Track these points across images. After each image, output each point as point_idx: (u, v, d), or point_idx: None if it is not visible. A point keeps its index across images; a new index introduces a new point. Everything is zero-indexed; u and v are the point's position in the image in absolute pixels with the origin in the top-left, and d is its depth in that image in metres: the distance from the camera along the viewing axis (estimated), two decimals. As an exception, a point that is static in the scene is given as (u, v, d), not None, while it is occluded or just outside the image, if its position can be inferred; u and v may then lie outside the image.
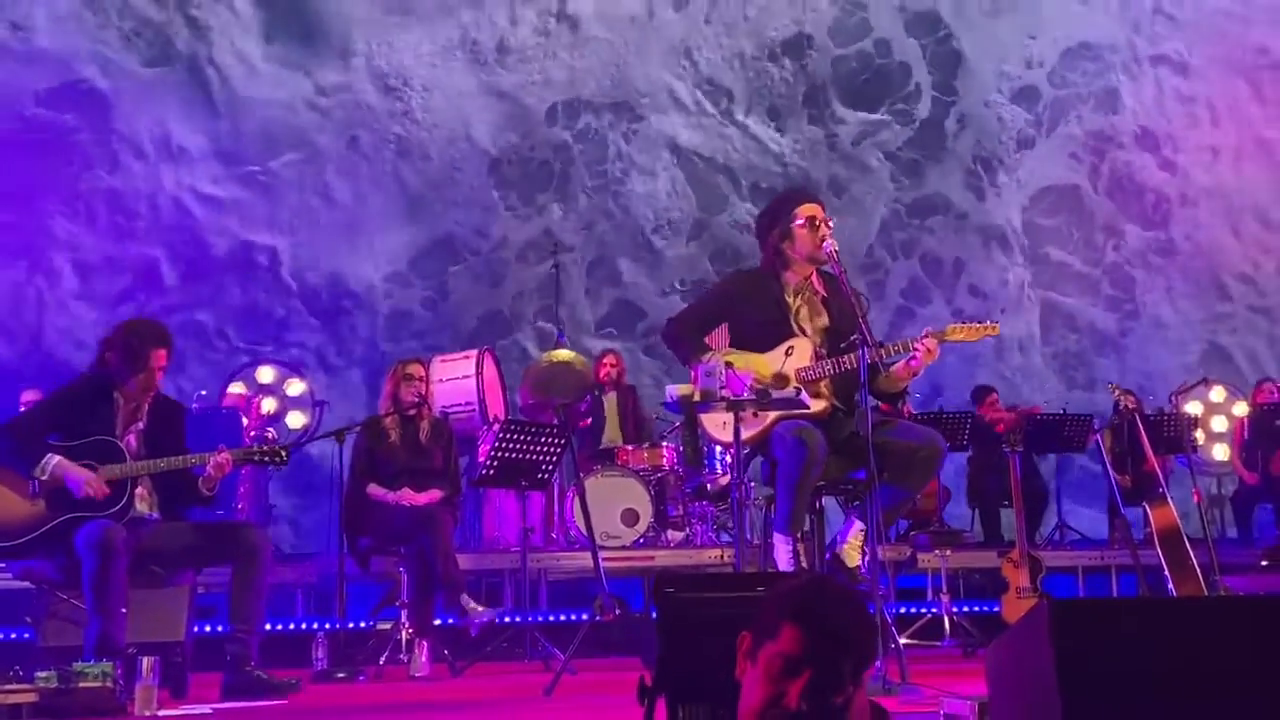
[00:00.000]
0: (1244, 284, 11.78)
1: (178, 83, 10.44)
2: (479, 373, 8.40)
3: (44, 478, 4.87)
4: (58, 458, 4.89)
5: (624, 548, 7.85)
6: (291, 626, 7.44)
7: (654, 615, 2.96)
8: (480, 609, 6.21)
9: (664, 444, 8.49)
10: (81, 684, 4.32)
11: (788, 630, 2.10)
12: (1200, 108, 11.88)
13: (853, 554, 4.79)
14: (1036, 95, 11.84)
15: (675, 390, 4.68)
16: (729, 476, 8.15)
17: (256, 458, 5.21)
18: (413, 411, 6.60)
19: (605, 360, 9.18)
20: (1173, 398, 8.77)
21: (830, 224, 4.89)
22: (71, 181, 10.15)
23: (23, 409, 8.06)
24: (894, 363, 4.73)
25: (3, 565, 5.93)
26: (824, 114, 11.53)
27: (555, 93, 11.13)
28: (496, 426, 8.11)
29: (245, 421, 8.52)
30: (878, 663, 4.32)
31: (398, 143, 10.82)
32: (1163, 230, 11.83)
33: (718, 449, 8.12)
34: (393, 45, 10.79)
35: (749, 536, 5.47)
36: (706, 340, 5.00)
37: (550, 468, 6.55)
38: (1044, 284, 11.73)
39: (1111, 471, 7.87)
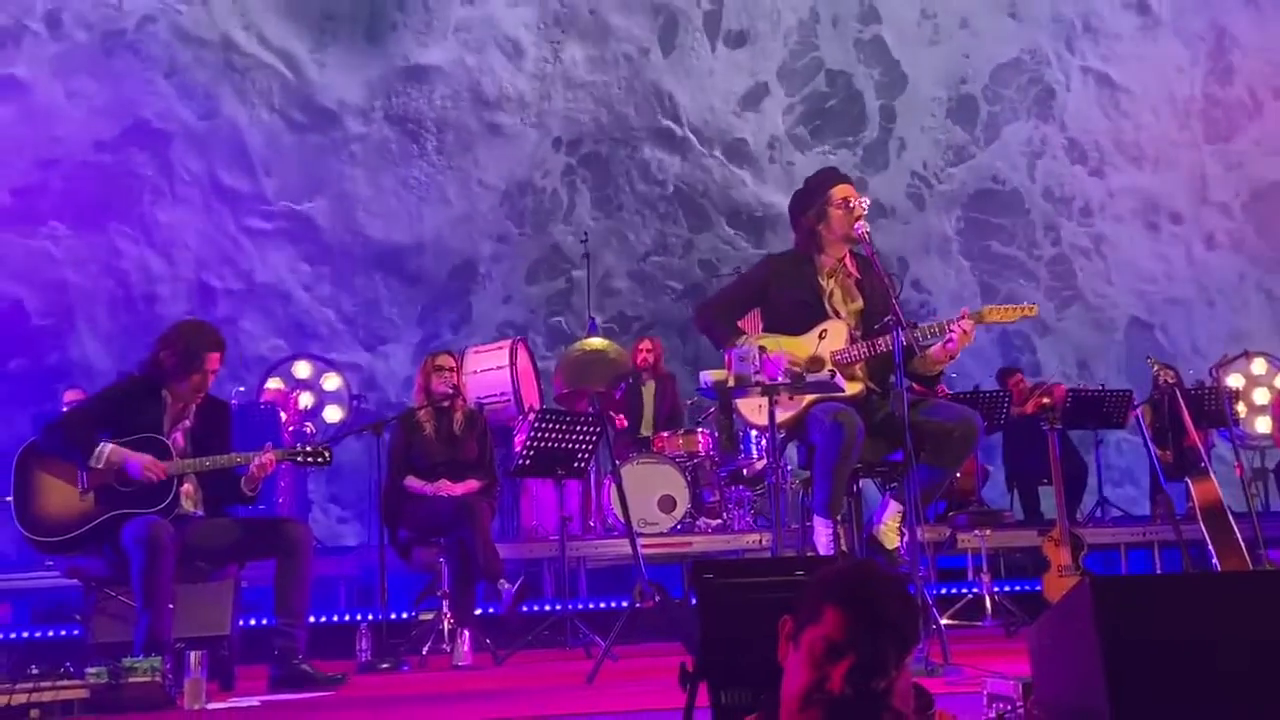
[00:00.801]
0: (1161, 272, 12.43)
1: (216, 130, 11.00)
2: (512, 363, 8.43)
3: (99, 465, 4.93)
4: (111, 445, 4.96)
5: (661, 534, 7.87)
6: (335, 618, 7.51)
7: (694, 601, 2.97)
8: (506, 585, 6.23)
9: (699, 430, 8.50)
10: (131, 679, 4.37)
11: (831, 614, 2.10)
12: (1124, 116, 12.42)
13: (891, 535, 4.79)
14: (975, 108, 12.31)
15: (709, 376, 4.68)
16: (764, 461, 8.16)
17: (300, 458, 5.24)
18: (446, 403, 6.63)
19: (641, 346, 9.16)
20: (1213, 371, 8.69)
21: (865, 204, 4.88)
22: (133, 208, 10.73)
23: (65, 409, 8.19)
24: (929, 345, 4.71)
25: (50, 563, 6.03)
26: (781, 154, 12.09)
27: (559, 130, 11.70)
28: (532, 416, 8.15)
29: (283, 417, 8.59)
30: (920, 645, 4.31)
31: (418, 182, 11.35)
32: (1092, 226, 12.37)
33: (753, 433, 8.13)
34: (410, 95, 11.37)
35: (786, 520, 5.48)
36: (740, 325, 5.00)
37: (586, 456, 6.55)
38: (985, 273, 12.28)
39: (1152, 447, 7.81)
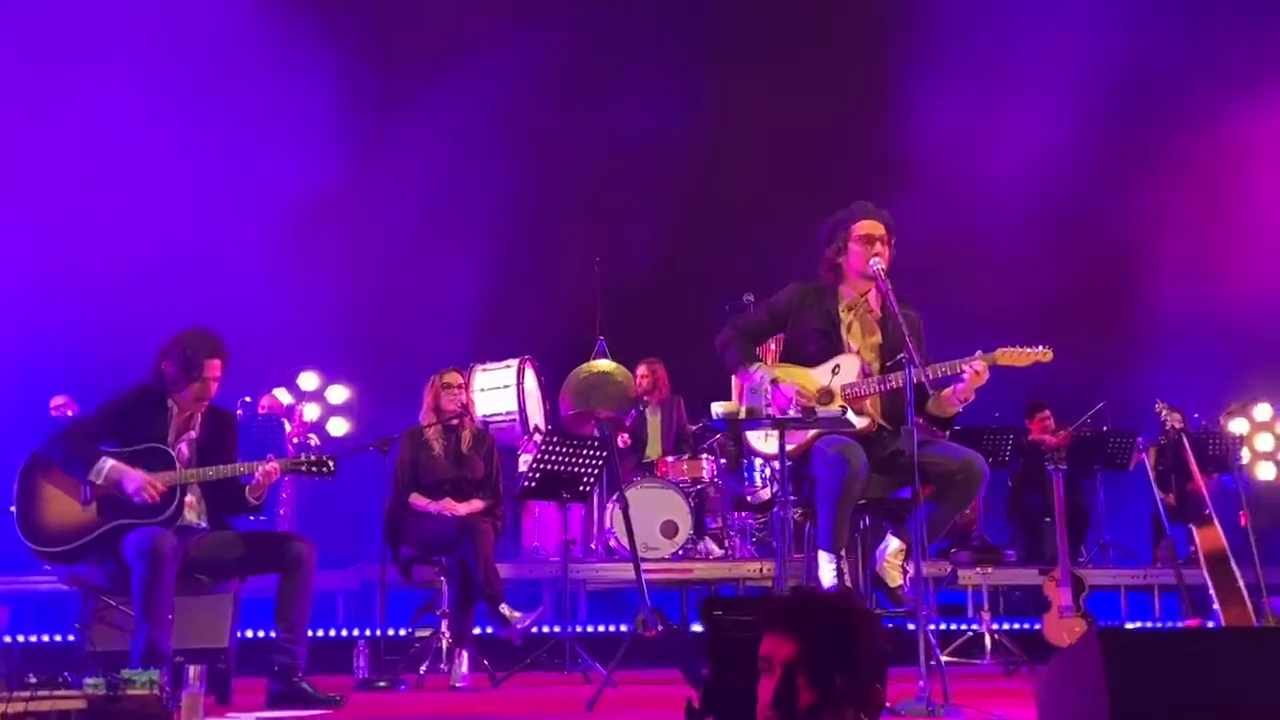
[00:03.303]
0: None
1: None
2: (519, 382, 8.43)
3: (99, 481, 4.92)
4: (112, 461, 4.94)
5: (663, 560, 7.85)
6: (333, 633, 7.50)
7: (692, 629, 2.96)
8: (519, 614, 6.22)
9: (704, 456, 8.48)
10: (129, 691, 4.35)
11: (764, 638, 2.17)
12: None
13: (893, 573, 4.77)
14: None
15: (720, 408, 4.67)
16: (767, 487, 8.14)
17: (304, 468, 5.23)
18: (455, 421, 6.63)
19: (638, 372, 9.04)
20: (1219, 416, 8.70)
21: (888, 243, 4.86)
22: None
23: (53, 411, 8.18)
24: (944, 384, 4.70)
25: (49, 567, 6.02)
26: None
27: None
28: (537, 437, 8.14)
29: (288, 428, 8.57)
30: (920, 683, 4.30)
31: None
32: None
33: (758, 462, 8.12)
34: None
35: (788, 552, 5.44)
36: (760, 351, 5.00)
37: (591, 480, 6.54)
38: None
39: (1157, 490, 7.81)
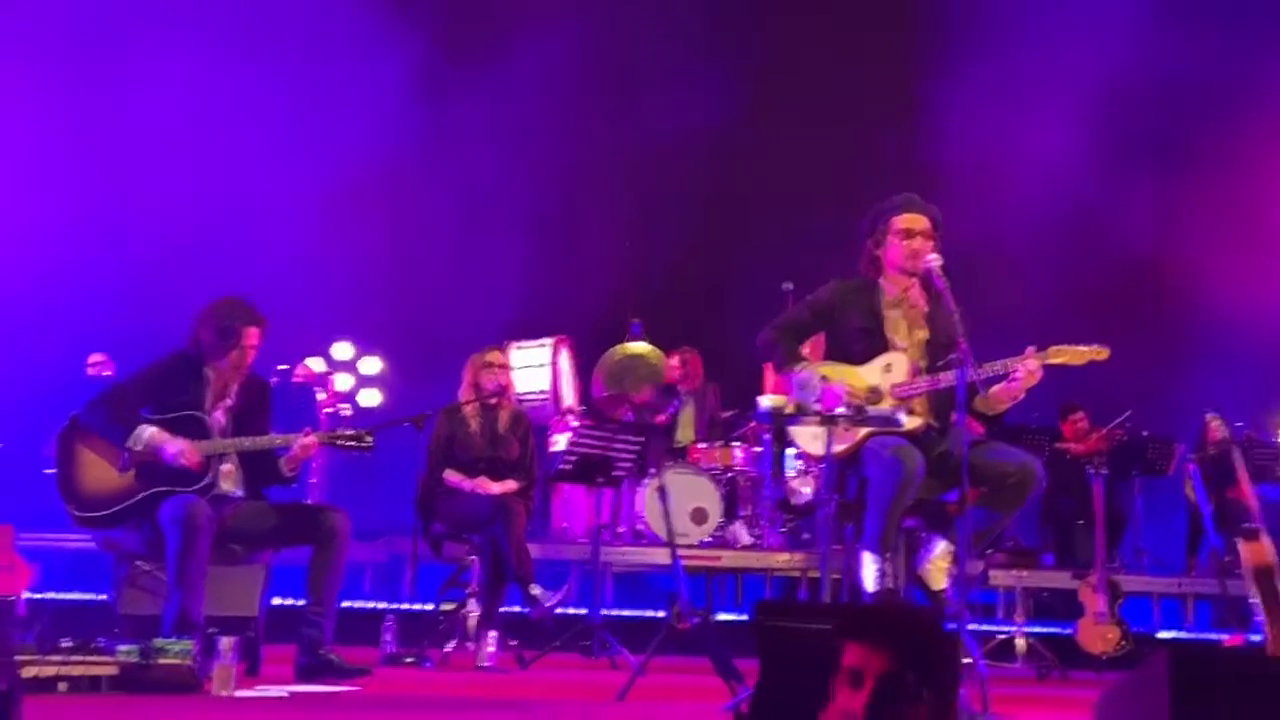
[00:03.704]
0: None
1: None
2: (554, 361, 8.39)
3: (138, 448, 4.89)
4: (152, 428, 4.91)
5: (691, 546, 7.79)
6: (359, 604, 7.49)
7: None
8: (548, 593, 6.19)
9: (735, 444, 8.41)
10: (162, 660, 4.34)
11: (849, 647, 2.17)
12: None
13: (938, 576, 4.65)
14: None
15: (766, 402, 4.58)
16: (799, 477, 8.07)
17: (340, 442, 5.19)
18: (493, 400, 6.57)
19: (670, 363, 8.95)
20: (1267, 424, 8.58)
21: (932, 237, 4.74)
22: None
23: (89, 369, 8.15)
24: (993, 382, 4.59)
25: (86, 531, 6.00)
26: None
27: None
28: (570, 417, 8.09)
29: (321, 397, 8.53)
30: (961, 691, 4.22)
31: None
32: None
33: (790, 452, 8.04)
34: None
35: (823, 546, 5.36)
36: (803, 349, 4.90)
37: (626, 466, 6.49)
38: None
39: (1205, 501, 7.70)
